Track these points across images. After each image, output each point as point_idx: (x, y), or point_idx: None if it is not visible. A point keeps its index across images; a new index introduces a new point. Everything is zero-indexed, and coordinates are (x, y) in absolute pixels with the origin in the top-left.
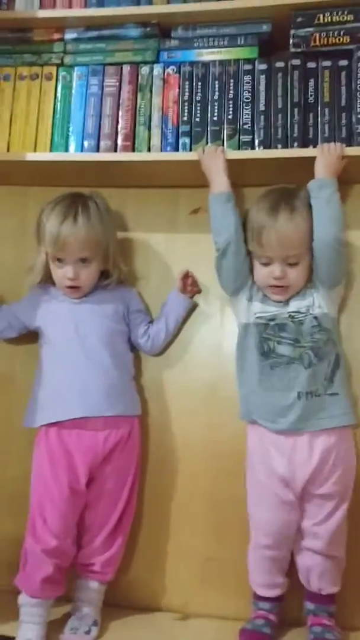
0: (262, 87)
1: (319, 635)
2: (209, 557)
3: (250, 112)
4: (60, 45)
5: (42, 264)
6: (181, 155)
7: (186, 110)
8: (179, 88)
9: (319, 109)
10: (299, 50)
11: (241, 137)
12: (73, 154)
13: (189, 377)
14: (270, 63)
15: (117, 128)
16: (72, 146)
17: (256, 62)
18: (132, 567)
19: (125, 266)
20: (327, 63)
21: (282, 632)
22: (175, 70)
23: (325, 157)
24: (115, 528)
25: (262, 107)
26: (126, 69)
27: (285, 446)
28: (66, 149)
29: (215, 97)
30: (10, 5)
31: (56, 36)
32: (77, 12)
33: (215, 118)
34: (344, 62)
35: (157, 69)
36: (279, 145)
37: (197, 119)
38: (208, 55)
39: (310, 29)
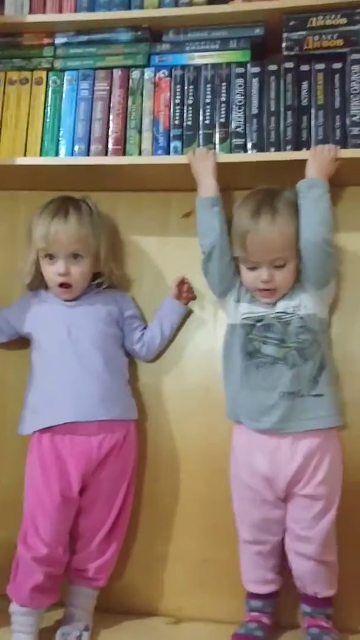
0: (254, 90)
1: (316, 637)
2: (204, 560)
3: (242, 116)
4: (50, 49)
5: (33, 262)
6: (172, 159)
7: (177, 114)
8: (170, 92)
9: (312, 111)
10: (291, 53)
11: (233, 140)
12: (63, 158)
13: (185, 381)
14: (263, 66)
15: (107, 132)
16: (62, 150)
17: (248, 66)
18: (126, 570)
19: (118, 270)
20: (321, 66)
21: (277, 634)
22: (166, 74)
23: (318, 158)
24: (109, 534)
25: (254, 110)
26: (117, 73)
27: (269, 446)
28: (57, 153)
29: (207, 100)
30: (0, 10)
31: (46, 41)
32: (67, 16)
33: (207, 121)
34: (337, 65)
35: (148, 73)
36: (272, 149)
37: (189, 123)
38: (200, 58)
39: (303, 32)
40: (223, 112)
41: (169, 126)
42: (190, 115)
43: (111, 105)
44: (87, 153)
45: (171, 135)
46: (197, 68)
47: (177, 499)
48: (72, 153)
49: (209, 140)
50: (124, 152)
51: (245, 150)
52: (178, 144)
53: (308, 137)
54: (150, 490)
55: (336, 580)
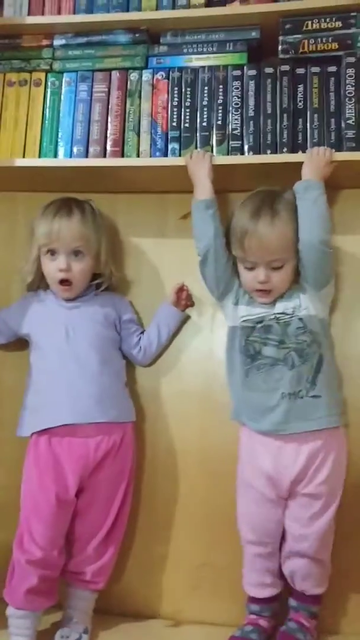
0: (251, 93)
1: (290, 632)
2: (203, 563)
3: (239, 118)
4: (49, 51)
5: (34, 260)
6: (170, 161)
7: (175, 116)
8: (168, 94)
9: (308, 114)
10: (287, 56)
11: (230, 142)
12: (62, 160)
13: (183, 383)
14: (260, 69)
15: (106, 134)
16: (61, 152)
17: (245, 68)
18: (124, 573)
19: (118, 272)
20: (316, 69)
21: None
22: (164, 76)
23: (313, 160)
24: (107, 537)
25: (251, 113)
26: (115, 74)
27: (272, 447)
28: (55, 155)
29: (205, 102)
30: None
31: (45, 42)
32: (66, 18)
33: (204, 124)
34: (332, 68)
35: (146, 75)
36: (268, 151)
37: (186, 125)
38: (197, 61)
39: (299, 36)
40: (220, 114)
41: (166, 128)
42: (188, 117)
43: (109, 107)
44: (86, 155)
45: (169, 137)
46: (195, 70)
47: (175, 502)
48: (70, 154)
49: (206, 142)
50: (122, 154)
51: (242, 153)
52: (176, 145)
53: (304, 139)
54: (148, 493)
55: (327, 579)
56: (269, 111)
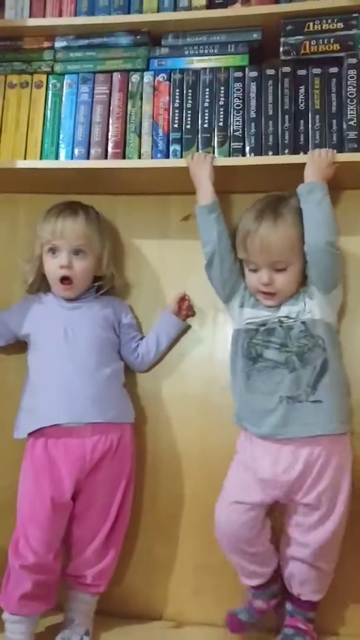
0: (252, 94)
1: (288, 637)
2: (205, 565)
3: (240, 119)
4: (51, 53)
5: (37, 258)
6: (172, 162)
7: (177, 118)
8: (170, 95)
9: (309, 115)
10: (289, 57)
11: (232, 144)
12: (63, 162)
13: (184, 386)
14: (261, 70)
15: (107, 135)
16: (62, 154)
17: (247, 70)
18: (126, 575)
19: (120, 277)
20: (318, 70)
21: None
22: (165, 78)
23: (316, 162)
24: (107, 540)
25: (252, 114)
26: (116, 76)
27: (270, 451)
28: (56, 157)
29: (206, 104)
30: (0, 14)
31: (46, 44)
32: (67, 20)
33: (205, 125)
34: (334, 70)
35: (148, 77)
36: (270, 152)
37: (188, 126)
38: (198, 62)
39: (300, 37)
40: (221, 116)
41: (168, 130)
42: (189, 118)
43: (111, 108)
44: (87, 156)
45: (170, 138)
46: (196, 72)
47: (176, 504)
48: (72, 156)
49: (207, 143)
50: (123, 156)
51: (244, 154)
52: (177, 147)
53: (305, 141)
54: (150, 495)
55: (325, 587)
56: (271, 112)
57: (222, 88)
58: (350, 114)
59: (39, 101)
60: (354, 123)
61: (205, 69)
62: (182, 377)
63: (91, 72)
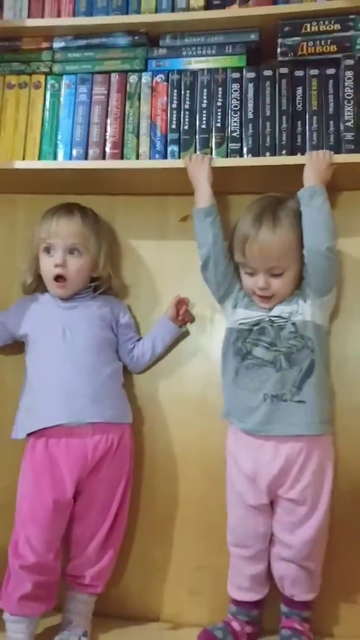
0: (250, 95)
1: (286, 639)
2: (202, 566)
3: (238, 120)
4: (49, 53)
5: (33, 258)
6: (170, 163)
7: (174, 118)
8: (167, 96)
9: (307, 116)
10: (286, 58)
11: (229, 144)
12: (61, 162)
13: (182, 387)
14: (259, 71)
15: (105, 136)
16: (60, 154)
17: (244, 71)
18: (123, 576)
19: (117, 278)
20: (315, 71)
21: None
22: (163, 79)
23: (314, 164)
24: (106, 540)
25: (250, 115)
26: (114, 77)
27: (253, 446)
28: (55, 157)
29: (204, 105)
30: None
31: (44, 45)
32: (66, 21)
33: (203, 126)
34: (331, 71)
35: (146, 77)
36: (267, 153)
37: (186, 127)
38: (196, 63)
39: (298, 38)
40: (219, 117)
41: (166, 130)
42: (187, 119)
43: (109, 109)
44: (85, 157)
45: (168, 139)
46: (194, 73)
47: (174, 505)
48: (70, 157)
49: (205, 144)
50: (121, 156)
51: (241, 155)
52: (175, 148)
53: (303, 142)
54: (147, 496)
55: (317, 585)
56: (268, 113)
57: (220, 89)
58: (347, 115)
59: (37, 102)
60: (351, 124)
61: (203, 69)
62: (179, 378)
63: (89, 73)
